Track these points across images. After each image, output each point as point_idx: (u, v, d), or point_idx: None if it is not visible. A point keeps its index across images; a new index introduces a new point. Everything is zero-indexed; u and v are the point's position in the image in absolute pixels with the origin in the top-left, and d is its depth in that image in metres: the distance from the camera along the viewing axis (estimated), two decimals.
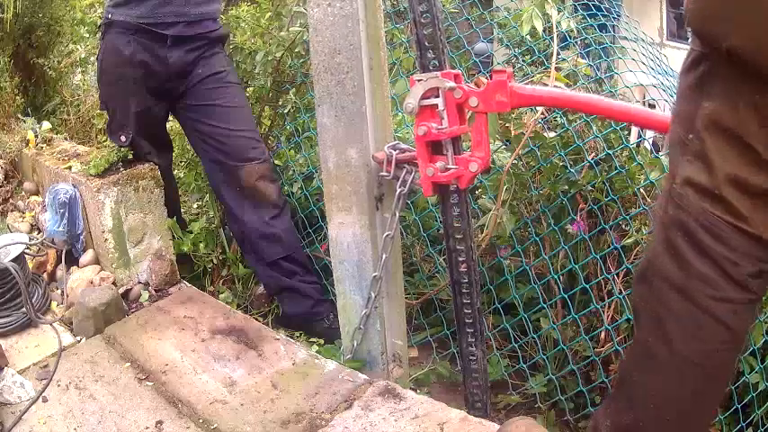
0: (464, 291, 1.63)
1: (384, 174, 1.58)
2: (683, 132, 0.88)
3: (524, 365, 1.87)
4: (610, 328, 1.77)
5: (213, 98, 2.08)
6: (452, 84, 1.40)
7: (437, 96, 1.43)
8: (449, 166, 1.47)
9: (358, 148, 1.60)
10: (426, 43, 1.43)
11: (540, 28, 1.81)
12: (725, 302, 0.86)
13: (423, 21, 1.42)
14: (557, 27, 1.80)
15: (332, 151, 1.64)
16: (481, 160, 1.44)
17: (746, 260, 0.85)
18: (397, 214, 1.63)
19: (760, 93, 0.79)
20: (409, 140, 1.82)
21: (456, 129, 1.44)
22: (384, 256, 1.65)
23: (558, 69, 1.82)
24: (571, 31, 1.92)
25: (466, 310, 1.66)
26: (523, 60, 2.22)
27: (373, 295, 1.70)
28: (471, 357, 1.70)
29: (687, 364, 0.91)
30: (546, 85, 1.78)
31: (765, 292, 0.92)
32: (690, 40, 0.88)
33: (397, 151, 1.57)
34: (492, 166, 2.14)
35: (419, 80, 1.43)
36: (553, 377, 1.82)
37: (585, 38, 2.06)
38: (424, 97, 1.44)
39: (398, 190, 1.59)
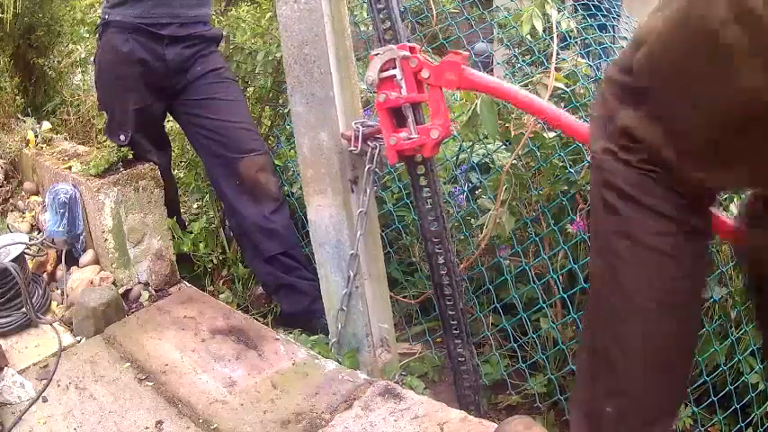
0: (446, 293, 1.68)
1: (352, 149, 1.65)
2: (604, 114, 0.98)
3: (524, 366, 1.87)
4: None
5: (212, 92, 2.11)
6: (407, 53, 1.51)
7: (395, 68, 1.53)
8: (411, 136, 1.55)
9: (328, 131, 1.68)
10: (382, 19, 1.54)
11: (539, 28, 1.82)
12: (667, 236, 0.93)
13: (379, 5, 1.54)
14: (557, 27, 1.80)
15: (305, 137, 1.73)
16: (441, 127, 1.53)
17: (673, 199, 0.92)
18: (368, 191, 1.70)
19: None
20: None
21: (414, 95, 1.53)
22: (359, 233, 1.71)
23: (557, 69, 1.82)
24: (571, 31, 1.93)
25: (450, 312, 1.69)
26: (523, 60, 2.22)
27: (352, 274, 1.74)
28: (460, 359, 1.72)
29: (647, 310, 0.96)
30: (545, 85, 1.79)
31: (709, 224, 0.99)
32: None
33: (364, 127, 1.64)
34: (492, 166, 2.14)
35: (377, 54, 1.54)
36: (552, 377, 1.82)
37: (585, 38, 2.07)
38: (382, 70, 1.54)
39: (368, 166, 1.67)
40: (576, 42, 2.08)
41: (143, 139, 2.15)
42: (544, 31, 1.88)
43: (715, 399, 1.71)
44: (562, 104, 1.93)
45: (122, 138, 2.11)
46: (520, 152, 1.82)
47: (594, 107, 1.05)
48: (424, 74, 1.50)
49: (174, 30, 2.02)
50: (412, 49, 1.52)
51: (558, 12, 1.85)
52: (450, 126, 1.61)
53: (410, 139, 1.55)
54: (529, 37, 1.99)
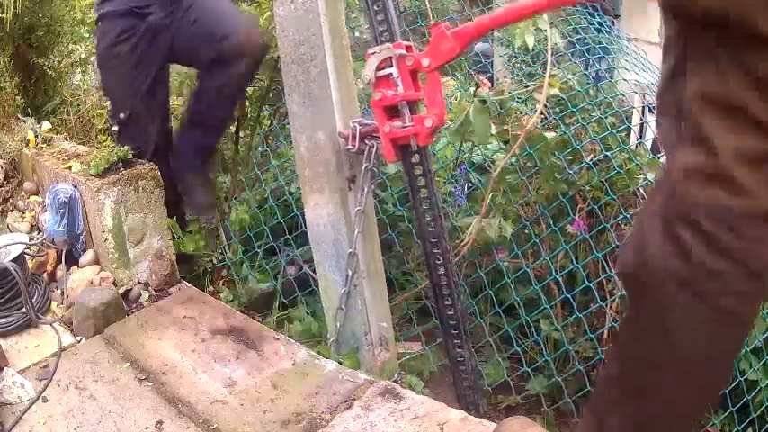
0: (444, 293, 1.69)
1: (349, 147, 1.67)
2: (675, 122, 0.84)
3: (526, 367, 1.87)
4: (612, 326, 1.77)
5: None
6: (403, 51, 1.52)
7: (391, 66, 1.54)
8: (405, 125, 1.56)
9: (325, 130, 1.70)
10: (377, 19, 1.56)
11: (530, 44, 1.84)
12: (737, 296, 0.81)
13: (375, 7, 1.55)
14: (550, 40, 1.82)
15: (302, 136, 1.74)
16: (436, 116, 1.53)
17: (761, 246, 0.79)
18: (366, 189, 1.71)
19: (744, 53, 0.74)
20: None
21: (411, 93, 1.54)
22: (356, 231, 1.72)
23: (552, 76, 1.84)
24: (556, 43, 1.94)
25: (449, 312, 1.70)
26: (523, 61, 2.23)
27: (350, 273, 1.75)
28: (459, 359, 1.72)
29: (694, 363, 0.86)
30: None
31: None
32: (663, 28, 0.84)
33: (361, 126, 1.66)
34: (488, 168, 2.15)
35: (373, 53, 1.55)
36: (558, 377, 1.81)
37: (584, 40, 2.07)
38: (379, 68, 1.55)
39: (365, 164, 1.69)
40: (571, 54, 2.09)
41: (145, 119, 2.18)
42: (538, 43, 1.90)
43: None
44: (558, 109, 1.96)
45: (122, 116, 2.15)
46: (517, 152, 1.83)
47: (657, 124, 0.85)
48: (425, 62, 1.50)
49: (155, 8, 2.10)
50: (408, 48, 1.53)
51: (551, 26, 1.87)
52: (446, 116, 1.63)
53: (404, 127, 1.56)
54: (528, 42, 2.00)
